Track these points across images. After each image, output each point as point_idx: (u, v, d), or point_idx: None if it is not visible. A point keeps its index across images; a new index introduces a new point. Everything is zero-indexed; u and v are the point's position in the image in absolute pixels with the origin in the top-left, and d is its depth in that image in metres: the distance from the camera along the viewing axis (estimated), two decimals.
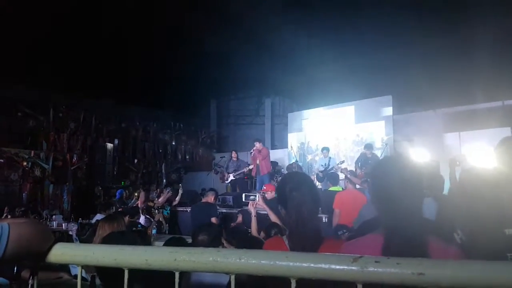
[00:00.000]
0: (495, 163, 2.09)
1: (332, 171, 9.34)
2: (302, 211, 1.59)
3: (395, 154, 7.88)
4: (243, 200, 5.51)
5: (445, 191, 4.07)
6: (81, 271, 1.04)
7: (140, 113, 13.96)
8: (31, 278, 2.22)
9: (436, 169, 7.21)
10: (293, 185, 1.66)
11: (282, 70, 12.04)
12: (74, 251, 1.02)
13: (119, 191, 9.51)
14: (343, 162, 9.86)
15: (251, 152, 9.14)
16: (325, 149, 9.30)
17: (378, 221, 1.44)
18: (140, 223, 5.77)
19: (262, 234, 3.63)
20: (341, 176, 7.96)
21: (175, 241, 2.76)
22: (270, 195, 6.06)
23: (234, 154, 10.16)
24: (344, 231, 3.43)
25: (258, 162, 8.91)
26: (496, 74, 9.21)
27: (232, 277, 0.95)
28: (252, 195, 4.64)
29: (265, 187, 6.25)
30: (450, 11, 8.64)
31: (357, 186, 6.75)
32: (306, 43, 10.13)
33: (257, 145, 9.04)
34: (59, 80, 10.38)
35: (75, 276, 3.10)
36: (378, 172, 1.46)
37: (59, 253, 1.02)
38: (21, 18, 7.88)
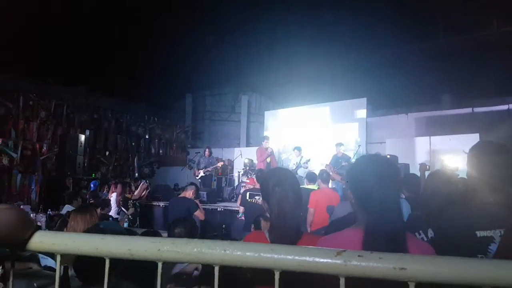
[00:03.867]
0: (466, 167, 2.15)
1: (306, 170, 9.45)
2: (283, 206, 1.62)
3: (366, 153, 8.03)
4: (247, 198, 5.59)
5: None
6: (60, 260, 1.01)
7: (113, 104, 13.64)
8: (0, 268, 2.15)
9: (407, 171, 7.44)
10: (276, 181, 1.69)
11: (259, 68, 12.07)
12: (53, 239, 0.99)
13: (93, 182, 9.32)
14: (309, 160, 9.98)
15: (266, 149, 9.00)
16: (297, 149, 9.35)
17: (353, 217, 1.48)
18: (111, 216, 5.67)
19: (264, 223, 3.64)
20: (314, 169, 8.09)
21: (150, 234, 2.72)
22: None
23: (207, 151, 10.09)
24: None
25: (268, 160, 8.88)
26: (467, 82, 9.55)
27: (216, 268, 0.95)
28: (257, 195, 4.71)
29: (248, 180, 6.33)
30: (426, 18, 8.88)
31: (334, 185, 6.91)
32: (283, 42, 10.18)
33: (265, 143, 9.08)
34: (29, 66, 10.03)
35: (45, 267, 3.02)
36: (354, 169, 1.50)
37: (38, 241, 0.99)
38: None
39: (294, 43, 10.03)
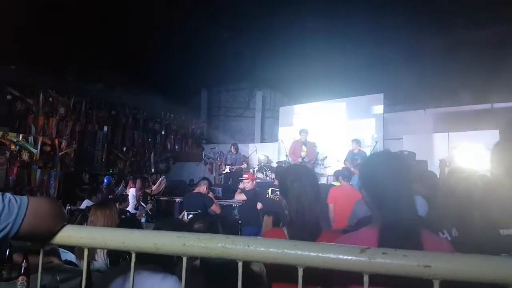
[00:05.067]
0: (487, 165, 2.13)
1: (323, 166, 9.46)
2: (302, 202, 1.63)
3: (382, 149, 7.90)
4: (270, 195, 5.67)
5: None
6: (87, 253, 1.03)
7: (130, 100, 13.81)
8: (24, 261, 2.21)
9: (425, 167, 7.35)
10: (295, 176, 1.70)
11: (274, 64, 12.02)
12: (81, 233, 1.01)
13: (107, 177, 9.45)
14: (326, 157, 9.94)
15: (304, 143, 8.30)
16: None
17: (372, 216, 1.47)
18: (128, 211, 5.76)
19: (266, 218, 3.67)
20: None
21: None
22: (249, 185, 6.11)
23: (233, 148, 10.11)
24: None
25: (303, 155, 8.23)
26: (486, 77, 9.35)
27: (240, 263, 0.96)
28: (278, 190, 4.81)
29: (246, 175, 6.33)
30: (443, 12, 8.71)
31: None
32: (299, 38, 10.11)
33: (302, 136, 8.32)
34: (49, 63, 10.21)
35: (65, 261, 3.10)
36: (367, 167, 1.50)
37: (66, 235, 1.02)
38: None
39: (309, 38, 9.94)
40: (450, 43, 9.69)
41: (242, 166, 9.83)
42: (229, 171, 9.78)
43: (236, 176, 9.61)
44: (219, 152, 11.81)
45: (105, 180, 9.24)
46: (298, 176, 1.69)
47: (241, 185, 6.26)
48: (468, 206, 1.99)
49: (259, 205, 6.10)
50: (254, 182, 6.34)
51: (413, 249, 0.93)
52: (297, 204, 1.63)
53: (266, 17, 9.32)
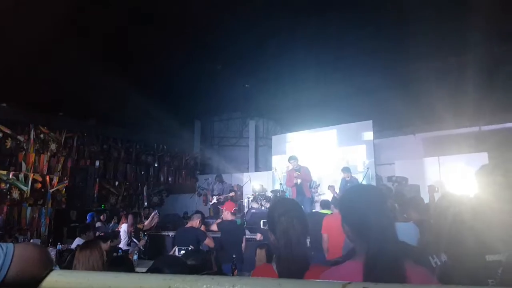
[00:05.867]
0: (474, 189, 2.17)
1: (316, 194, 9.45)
2: (289, 236, 1.64)
3: (358, 184, 7.65)
4: (261, 226, 5.50)
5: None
6: None
7: (122, 134, 13.83)
8: None
9: (417, 192, 7.39)
10: (282, 211, 1.71)
11: (266, 93, 12.21)
12: (68, 278, 1.02)
13: (90, 214, 9.23)
14: (319, 185, 9.98)
15: (295, 170, 8.04)
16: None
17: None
18: (120, 248, 5.66)
19: (259, 251, 3.61)
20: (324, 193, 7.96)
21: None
22: (227, 215, 5.74)
23: (218, 179, 10.06)
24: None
25: (298, 182, 8.00)
26: (473, 100, 9.54)
27: None
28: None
29: (224, 206, 5.94)
30: (428, 38, 8.96)
31: None
32: (290, 68, 10.30)
33: (292, 163, 8.09)
34: (41, 100, 10.26)
35: None
36: (345, 202, 1.54)
37: (54, 280, 1.02)
38: (2, 36, 7.82)
39: (299, 68, 10.15)
40: (436, 68, 9.93)
41: (230, 195, 9.76)
42: (216, 202, 9.71)
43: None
44: (207, 184, 11.78)
45: (88, 217, 9.02)
46: (285, 211, 1.71)
47: (221, 215, 6.07)
48: (458, 229, 2.00)
49: (258, 236, 5.93)
50: (232, 211, 5.78)
51: (397, 282, 0.95)
52: (285, 239, 1.64)
53: (258, 48, 9.53)
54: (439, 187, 4.53)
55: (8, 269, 0.91)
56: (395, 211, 3.71)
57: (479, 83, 9.39)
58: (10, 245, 0.96)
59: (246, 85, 10.45)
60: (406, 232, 3.29)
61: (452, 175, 8.04)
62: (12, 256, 0.93)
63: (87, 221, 8.83)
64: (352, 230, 1.44)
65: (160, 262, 2.27)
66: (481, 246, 1.83)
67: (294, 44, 9.36)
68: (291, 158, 8.20)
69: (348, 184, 8.07)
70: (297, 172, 7.94)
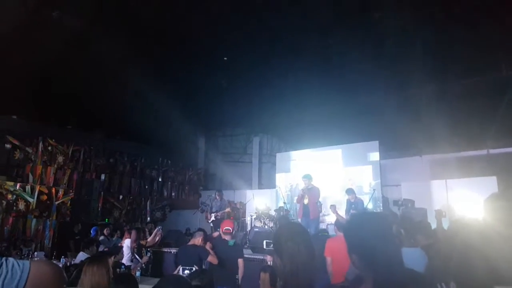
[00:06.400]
0: (484, 217, 2.14)
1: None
2: (296, 262, 1.62)
3: (362, 211, 7.49)
4: (264, 247, 5.27)
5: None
6: None
7: (128, 148, 13.91)
8: None
9: (424, 216, 7.30)
10: (288, 236, 1.70)
11: (271, 110, 12.24)
12: None
13: (93, 228, 9.21)
14: (321, 204, 9.86)
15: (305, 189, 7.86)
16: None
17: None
18: (123, 264, 5.61)
19: (263, 275, 3.50)
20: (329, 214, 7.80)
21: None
22: (216, 235, 5.62)
23: (218, 195, 9.96)
24: None
25: (306, 202, 7.82)
26: (481, 123, 9.49)
27: None
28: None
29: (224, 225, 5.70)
30: (435, 60, 8.98)
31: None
32: (294, 85, 10.36)
33: (304, 181, 7.93)
34: (49, 112, 10.38)
35: None
36: (352, 231, 1.53)
37: None
38: (12, 52, 7.96)
39: (304, 86, 10.18)
40: (444, 90, 9.90)
41: (226, 211, 9.67)
42: (214, 219, 9.62)
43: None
44: (209, 200, 11.68)
45: (92, 231, 9.00)
46: (291, 236, 1.70)
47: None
48: (468, 256, 1.97)
49: (268, 258, 5.63)
50: (223, 230, 5.54)
51: None
52: (292, 265, 1.63)
53: (262, 65, 9.60)
54: (446, 211, 4.46)
55: (24, 285, 0.94)
56: (401, 237, 3.66)
57: (487, 106, 9.36)
58: (27, 262, 0.99)
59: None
60: (413, 258, 3.24)
61: (460, 199, 7.93)
62: (28, 273, 0.96)
63: (91, 235, 8.83)
64: (359, 259, 1.42)
65: (165, 282, 2.25)
66: (492, 275, 1.79)
67: (299, 62, 9.41)
68: (304, 177, 8.08)
69: (353, 206, 7.98)
70: (306, 196, 7.81)
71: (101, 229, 9.53)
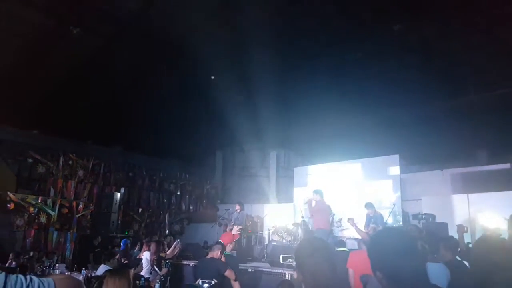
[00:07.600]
0: (510, 233, 2.09)
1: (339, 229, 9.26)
2: (318, 278, 1.61)
3: (386, 227, 7.37)
4: (281, 261, 5.22)
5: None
6: None
7: (147, 162, 14.10)
8: None
9: (445, 230, 7.14)
10: (310, 251, 1.69)
11: (288, 124, 12.22)
12: None
13: (123, 240, 9.36)
14: (341, 219, 9.73)
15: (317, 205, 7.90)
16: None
17: None
18: (143, 276, 5.65)
19: None
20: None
21: None
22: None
23: (237, 206, 9.95)
24: None
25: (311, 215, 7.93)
26: (503, 137, 9.28)
27: None
28: (290, 257, 4.48)
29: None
30: (456, 74, 8.86)
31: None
32: (312, 98, 10.29)
33: (314, 196, 7.97)
34: (70, 127, 10.63)
35: None
36: (376, 249, 1.52)
37: None
38: (34, 67, 8.21)
39: (322, 99, 10.11)
40: (464, 104, 9.72)
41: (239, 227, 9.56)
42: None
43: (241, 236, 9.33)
44: (227, 213, 11.64)
45: (122, 244, 9.12)
46: (313, 251, 1.68)
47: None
48: (491, 273, 1.91)
49: (295, 274, 5.50)
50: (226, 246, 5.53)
51: None
52: (314, 282, 1.61)
53: (280, 79, 9.61)
54: (468, 226, 4.37)
55: None
56: (425, 252, 3.60)
57: (509, 119, 9.16)
58: (51, 280, 1.00)
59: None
60: (437, 273, 3.19)
61: (482, 214, 7.72)
62: None
63: (122, 248, 8.92)
64: (384, 277, 1.41)
65: None
66: None
67: (318, 74, 9.38)
68: (314, 192, 8.10)
69: (372, 220, 7.86)
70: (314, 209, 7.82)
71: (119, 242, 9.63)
